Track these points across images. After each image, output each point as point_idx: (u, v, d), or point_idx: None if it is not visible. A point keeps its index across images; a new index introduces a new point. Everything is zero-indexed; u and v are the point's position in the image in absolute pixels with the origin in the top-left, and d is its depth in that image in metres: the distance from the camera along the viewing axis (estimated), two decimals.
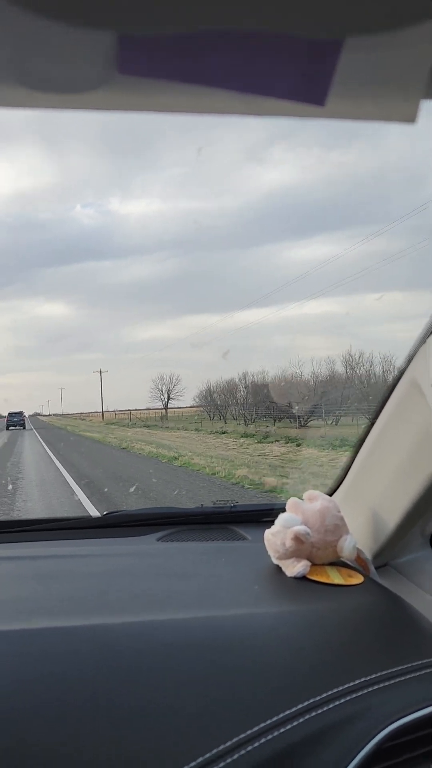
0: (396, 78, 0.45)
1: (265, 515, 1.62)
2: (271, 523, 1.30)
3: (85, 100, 0.43)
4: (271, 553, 1.27)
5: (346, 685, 0.86)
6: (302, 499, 1.32)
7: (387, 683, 0.87)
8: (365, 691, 0.85)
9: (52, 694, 0.79)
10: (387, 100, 0.46)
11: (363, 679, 0.87)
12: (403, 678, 0.89)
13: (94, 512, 7.28)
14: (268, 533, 1.29)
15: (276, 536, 1.26)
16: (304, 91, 0.44)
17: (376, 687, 0.86)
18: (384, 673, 0.89)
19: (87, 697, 0.79)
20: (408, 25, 0.41)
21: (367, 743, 0.78)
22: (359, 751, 0.78)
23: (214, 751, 0.74)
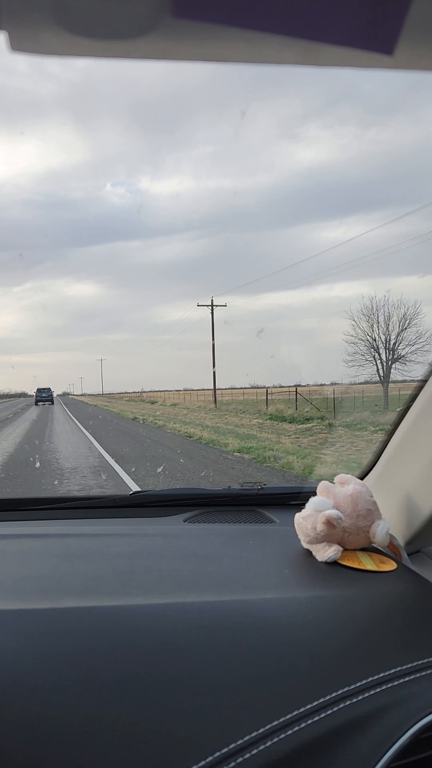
0: None
1: (293, 498, 1.59)
2: (300, 506, 1.28)
3: (132, 48, 0.40)
4: (301, 537, 1.25)
5: (381, 674, 0.83)
6: (333, 483, 1.29)
7: (423, 673, 0.85)
8: (401, 680, 0.83)
9: (77, 673, 0.78)
10: None
11: (399, 668, 0.85)
12: None
13: None
14: (299, 517, 1.26)
15: (307, 520, 1.23)
16: (371, 39, 0.40)
17: (411, 677, 0.84)
18: (420, 662, 0.86)
19: (113, 676, 0.78)
20: None
21: (403, 733, 0.76)
22: (395, 741, 0.76)
23: (247, 737, 0.72)
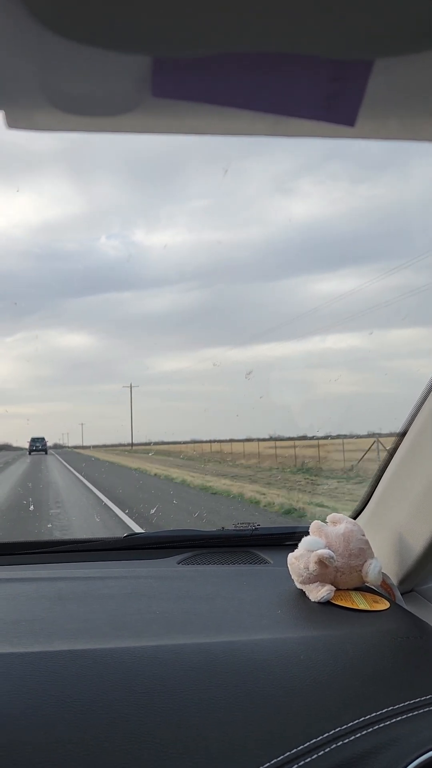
0: (426, 98, 0.45)
1: (287, 538, 1.60)
2: (294, 546, 1.29)
3: (118, 123, 0.44)
4: (294, 577, 1.25)
5: (373, 714, 0.83)
6: (326, 522, 1.30)
7: (416, 712, 0.85)
8: (394, 720, 0.83)
9: (68, 715, 0.78)
10: (416, 120, 0.47)
11: (391, 708, 0.85)
12: None
13: None
14: (291, 557, 1.27)
15: (299, 560, 1.24)
16: (334, 112, 0.44)
17: (404, 716, 0.84)
18: (412, 702, 0.86)
19: (103, 720, 0.78)
20: None
21: None
22: None
23: None
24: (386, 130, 0.47)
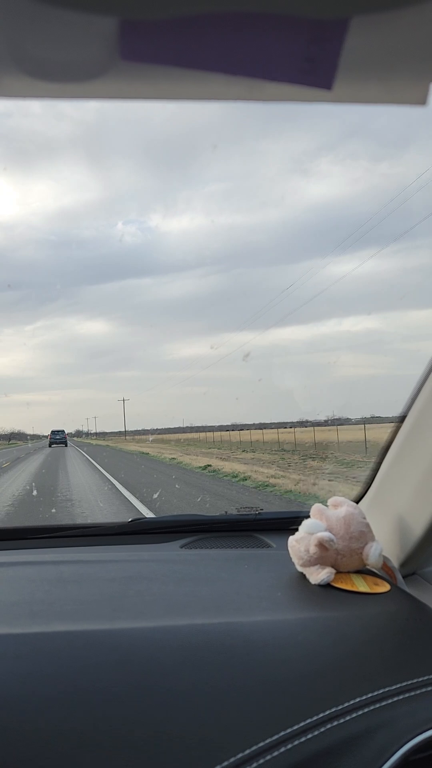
0: (405, 59, 0.44)
1: (291, 523, 1.60)
2: (297, 530, 1.28)
3: (87, 89, 0.43)
4: (294, 560, 1.25)
5: (369, 695, 0.83)
6: (327, 506, 1.29)
7: (413, 693, 0.84)
8: (390, 701, 0.83)
9: (61, 691, 0.79)
10: (396, 82, 0.45)
11: (388, 689, 0.84)
12: (430, 688, 0.86)
13: None
14: (292, 540, 1.27)
15: (300, 543, 1.24)
16: (310, 75, 0.43)
17: (401, 697, 0.83)
18: (410, 682, 0.86)
19: (99, 700, 0.78)
20: (416, 2, 0.40)
21: (391, 755, 0.76)
22: (384, 762, 0.75)
23: (231, 759, 0.72)
24: (365, 93, 0.46)
